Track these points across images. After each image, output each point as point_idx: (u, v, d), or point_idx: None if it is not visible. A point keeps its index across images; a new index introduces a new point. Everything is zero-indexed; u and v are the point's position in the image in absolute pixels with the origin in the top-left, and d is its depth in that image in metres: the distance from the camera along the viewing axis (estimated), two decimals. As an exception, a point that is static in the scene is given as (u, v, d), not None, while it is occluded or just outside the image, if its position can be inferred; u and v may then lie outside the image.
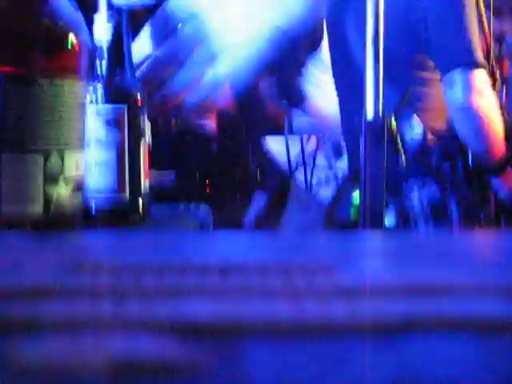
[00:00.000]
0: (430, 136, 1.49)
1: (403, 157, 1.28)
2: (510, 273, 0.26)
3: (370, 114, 1.12)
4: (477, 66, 1.43)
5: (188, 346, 0.19)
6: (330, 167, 1.96)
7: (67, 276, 0.26)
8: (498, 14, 1.60)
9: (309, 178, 2.05)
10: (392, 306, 0.22)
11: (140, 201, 0.84)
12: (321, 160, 2.04)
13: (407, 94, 1.37)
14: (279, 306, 0.22)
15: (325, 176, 1.97)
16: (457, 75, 1.44)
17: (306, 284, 0.24)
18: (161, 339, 0.20)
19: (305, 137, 2.19)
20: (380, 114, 1.12)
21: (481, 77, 1.44)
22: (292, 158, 2.12)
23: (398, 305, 0.23)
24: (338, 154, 2.15)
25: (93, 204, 0.82)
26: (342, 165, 2.09)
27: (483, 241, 0.39)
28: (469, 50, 1.43)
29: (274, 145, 2.31)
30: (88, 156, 0.80)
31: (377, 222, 1.11)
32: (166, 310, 0.22)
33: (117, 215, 0.82)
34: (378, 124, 1.11)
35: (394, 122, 1.18)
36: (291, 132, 2.87)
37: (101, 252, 0.32)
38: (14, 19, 0.65)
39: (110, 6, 0.82)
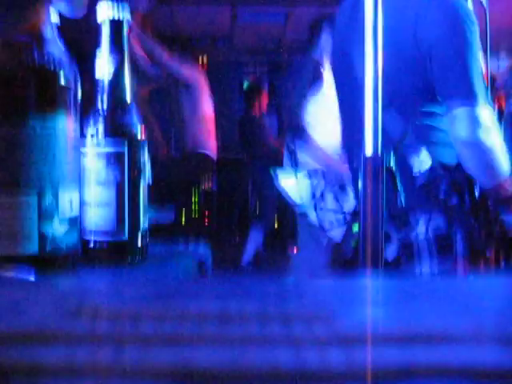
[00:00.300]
0: (438, 169, 1.47)
1: (402, 194, 1.28)
2: (509, 320, 0.26)
3: (368, 150, 1.13)
4: (481, 103, 1.41)
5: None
6: (340, 210, 1.96)
7: (67, 322, 0.26)
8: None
9: (320, 219, 2.05)
10: (390, 354, 0.22)
11: (139, 242, 0.84)
12: (330, 202, 2.04)
13: (407, 133, 1.38)
14: (278, 353, 0.22)
15: (335, 219, 1.97)
16: (461, 112, 1.41)
17: (304, 332, 0.24)
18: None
19: (314, 180, 2.20)
20: (379, 151, 1.13)
21: (485, 113, 1.42)
22: (304, 199, 2.13)
23: (396, 353, 0.23)
24: (344, 196, 2.16)
25: (91, 245, 0.82)
26: (350, 207, 2.10)
27: (484, 285, 0.39)
28: (473, 87, 1.41)
29: (286, 185, 2.31)
30: (87, 197, 0.81)
31: (375, 258, 1.10)
32: (164, 357, 0.22)
33: (115, 256, 0.82)
34: (377, 160, 1.12)
35: (392, 160, 1.19)
36: (296, 165, 2.91)
37: (99, 295, 0.32)
38: (4, 63, 0.66)
39: (112, 51, 0.83)
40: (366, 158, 1.12)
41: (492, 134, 1.42)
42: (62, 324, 0.26)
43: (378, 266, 1.11)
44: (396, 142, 1.39)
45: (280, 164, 3.17)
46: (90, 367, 0.22)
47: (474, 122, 1.40)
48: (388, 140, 1.33)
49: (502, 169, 1.44)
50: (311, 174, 2.69)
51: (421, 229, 1.50)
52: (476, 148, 1.42)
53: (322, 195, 2.12)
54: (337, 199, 2.09)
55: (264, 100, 5.58)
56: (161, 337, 0.24)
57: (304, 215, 2.16)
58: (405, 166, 1.42)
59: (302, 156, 2.87)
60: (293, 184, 2.28)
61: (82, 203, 0.81)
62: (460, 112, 1.41)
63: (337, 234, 2.19)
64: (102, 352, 0.23)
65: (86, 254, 0.82)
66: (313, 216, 2.10)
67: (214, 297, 0.30)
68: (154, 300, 0.30)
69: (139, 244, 0.84)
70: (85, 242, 0.82)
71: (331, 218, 2.04)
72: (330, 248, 2.80)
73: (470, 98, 1.41)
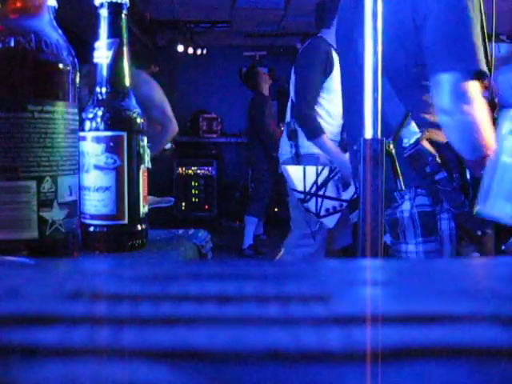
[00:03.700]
0: (427, 143, 1.43)
1: (401, 179, 1.27)
2: (506, 300, 0.26)
3: (368, 133, 1.13)
4: (470, 73, 1.35)
5: (184, 375, 0.19)
6: (338, 198, 1.97)
7: (65, 304, 0.26)
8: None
9: (319, 207, 2.06)
10: (389, 335, 0.22)
11: (138, 226, 0.84)
12: (330, 190, 2.05)
13: (405, 121, 1.37)
14: (277, 334, 0.23)
15: (332, 206, 1.98)
16: (445, 78, 1.35)
17: (302, 313, 0.24)
18: (156, 367, 0.20)
19: (319, 168, 2.21)
20: (378, 134, 1.13)
21: (471, 84, 1.35)
22: (307, 187, 2.14)
23: (395, 333, 0.23)
24: (345, 185, 2.18)
25: (91, 229, 0.82)
26: (348, 195, 2.10)
27: (479, 266, 0.39)
28: (462, 56, 1.35)
29: (292, 173, 2.31)
30: (87, 181, 0.81)
31: (375, 243, 1.11)
32: (162, 339, 0.22)
33: (115, 240, 0.82)
34: (377, 143, 1.12)
35: (391, 147, 1.18)
36: (296, 147, 2.91)
37: (98, 279, 0.32)
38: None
39: (111, 34, 0.82)
40: (365, 141, 1.12)
41: (475, 106, 1.36)
42: (60, 306, 0.26)
43: (377, 249, 1.11)
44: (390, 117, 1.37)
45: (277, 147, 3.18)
46: (89, 349, 0.22)
47: (458, 89, 1.35)
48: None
49: (484, 142, 1.37)
50: (316, 161, 2.71)
51: (406, 205, 1.49)
52: (457, 118, 1.36)
53: (324, 182, 2.12)
54: (337, 187, 2.10)
55: (264, 85, 5.57)
56: (159, 318, 0.24)
57: (301, 201, 2.16)
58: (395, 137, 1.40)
59: (303, 138, 2.87)
60: (298, 170, 2.28)
61: (81, 187, 0.81)
62: (444, 78, 1.36)
63: (331, 220, 2.20)
64: (100, 333, 0.23)
65: (86, 238, 0.83)
66: (312, 202, 2.10)
67: (212, 278, 0.30)
68: (152, 282, 0.30)
69: (139, 228, 0.84)
70: (85, 227, 0.82)
71: (329, 205, 2.04)
72: (320, 233, 2.82)
73: (456, 65, 1.35)
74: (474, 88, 1.36)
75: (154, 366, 0.20)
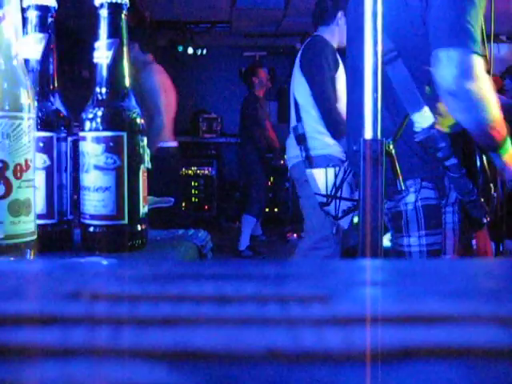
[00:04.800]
0: (440, 129, 1.40)
1: (401, 180, 1.27)
2: (506, 301, 0.26)
3: (368, 133, 1.13)
4: (471, 50, 1.30)
5: (184, 375, 0.19)
6: (352, 198, 1.95)
7: (64, 304, 0.26)
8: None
9: (337, 209, 2.04)
10: (388, 335, 0.22)
11: (138, 226, 0.84)
12: (345, 191, 2.04)
13: (405, 122, 1.36)
14: (276, 334, 0.23)
15: (347, 207, 1.96)
16: (446, 54, 1.31)
17: (302, 313, 0.24)
18: (156, 368, 0.20)
19: (337, 169, 2.19)
20: (378, 134, 1.12)
21: (475, 60, 1.30)
22: (328, 189, 2.12)
23: (395, 334, 0.23)
24: (357, 184, 2.15)
25: (91, 229, 0.82)
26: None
27: (479, 266, 0.39)
28: (466, 33, 1.31)
29: (316, 177, 2.29)
30: (87, 181, 0.81)
31: (375, 244, 1.10)
32: (161, 339, 0.22)
33: (115, 240, 0.82)
34: (376, 144, 1.11)
35: (391, 148, 1.18)
36: (306, 150, 2.89)
37: (98, 279, 0.32)
38: None
39: (111, 34, 0.82)
40: (365, 141, 1.12)
41: (479, 82, 1.32)
42: (60, 306, 0.26)
43: (377, 249, 1.11)
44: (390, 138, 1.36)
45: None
46: (88, 349, 0.22)
47: (461, 65, 1.31)
48: (389, 92, 1.30)
49: (491, 119, 1.34)
50: (329, 162, 2.69)
51: (410, 198, 1.47)
52: (459, 95, 1.32)
53: (341, 183, 2.10)
54: (351, 187, 2.08)
55: (259, 85, 5.54)
56: (159, 318, 0.24)
57: (323, 205, 2.15)
58: (407, 122, 1.38)
59: (314, 140, 2.86)
60: (321, 173, 2.26)
61: (81, 187, 0.81)
62: (445, 53, 1.32)
63: (346, 221, 2.19)
64: (100, 333, 0.23)
65: (86, 238, 0.82)
66: (332, 205, 2.08)
67: (212, 278, 0.30)
68: (152, 282, 0.30)
69: (139, 228, 0.84)
70: (85, 227, 0.82)
71: (344, 206, 2.02)
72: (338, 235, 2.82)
73: (460, 41, 1.31)
74: (477, 63, 1.31)
75: (154, 366, 0.20)
